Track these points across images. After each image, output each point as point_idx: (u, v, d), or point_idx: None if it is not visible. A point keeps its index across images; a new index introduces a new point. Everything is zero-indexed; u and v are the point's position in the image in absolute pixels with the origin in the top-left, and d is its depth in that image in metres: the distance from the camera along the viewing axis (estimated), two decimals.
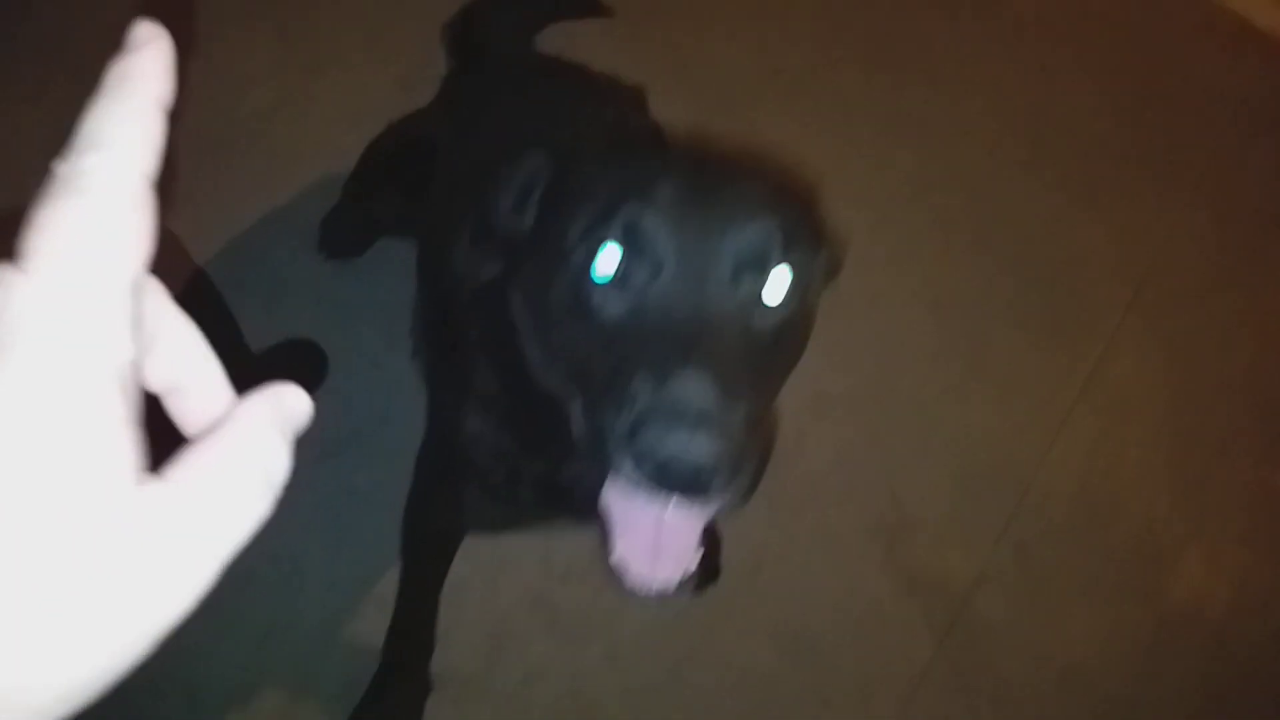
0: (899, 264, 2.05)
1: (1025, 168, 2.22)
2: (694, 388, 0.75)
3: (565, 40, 1.95)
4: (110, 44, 0.36)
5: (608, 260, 0.84)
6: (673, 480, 0.75)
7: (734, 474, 0.76)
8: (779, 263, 0.86)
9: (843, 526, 1.79)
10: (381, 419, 1.70)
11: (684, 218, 0.84)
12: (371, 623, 1.50)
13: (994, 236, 2.12)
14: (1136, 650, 1.79)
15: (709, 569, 1.66)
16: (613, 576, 0.88)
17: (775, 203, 0.88)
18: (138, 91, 0.35)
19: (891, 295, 2.01)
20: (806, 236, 0.92)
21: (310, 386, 0.40)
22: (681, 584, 0.88)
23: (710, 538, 1.67)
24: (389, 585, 1.45)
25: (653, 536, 0.87)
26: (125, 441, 0.33)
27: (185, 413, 0.41)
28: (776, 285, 0.86)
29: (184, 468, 0.35)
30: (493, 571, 1.62)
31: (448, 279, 1.24)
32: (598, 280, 0.84)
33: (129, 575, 0.33)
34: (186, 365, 0.40)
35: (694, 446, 0.73)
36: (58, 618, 0.31)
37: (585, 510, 0.98)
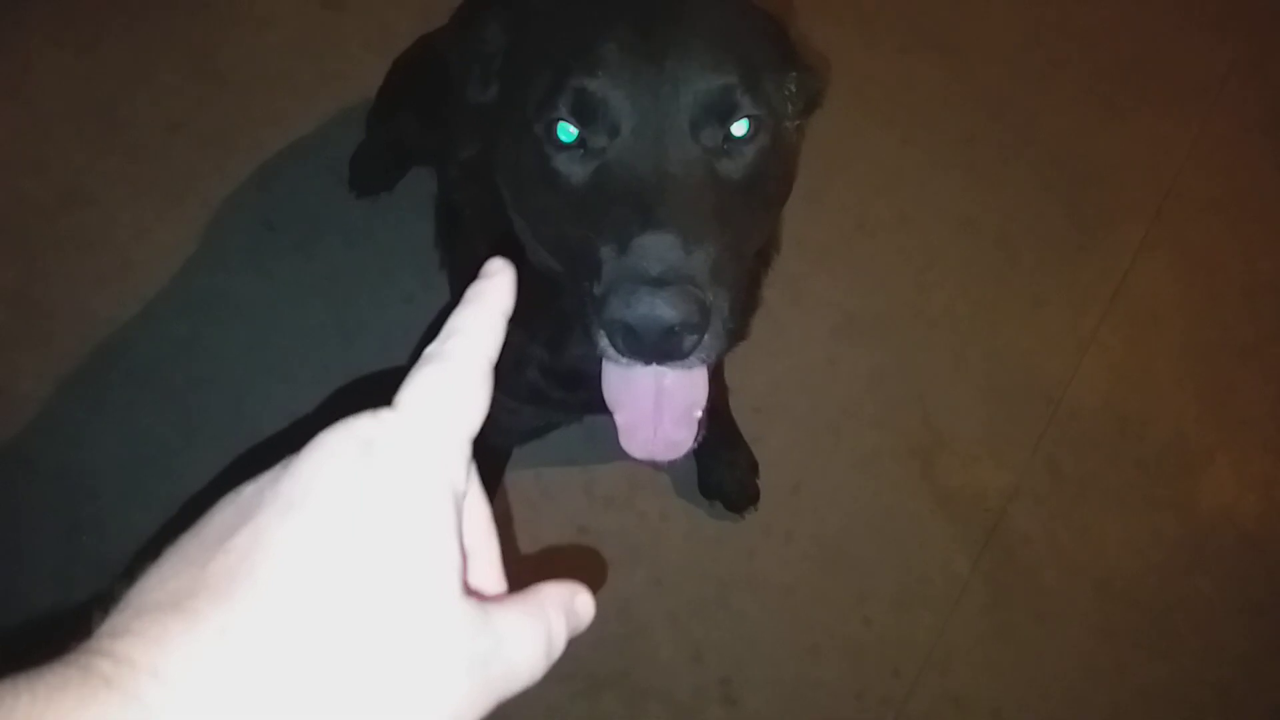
0: (925, 184, 2.04)
1: (1047, 83, 2.19)
2: (653, 249, 0.76)
3: None
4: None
5: (566, 129, 0.84)
6: (645, 346, 0.76)
7: (706, 324, 0.77)
8: (743, 111, 0.84)
9: (878, 447, 1.80)
10: (417, 355, 1.71)
11: (634, 76, 0.82)
12: None
13: (1018, 153, 2.11)
14: (1170, 559, 1.81)
15: (749, 493, 1.68)
16: (623, 449, 0.90)
17: (731, 46, 0.86)
18: (488, 304, 0.49)
19: (918, 216, 2.00)
20: (773, 69, 0.90)
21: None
22: (692, 445, 0.90)
23: (746, 459, 1.69)
24: None
25: (651, 403, 0.89)
26: (458, 554, 0.41)
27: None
28: (741, 129, 0.85)
29: (496, 607, 0.42)
30: (536, 503, 1.64)
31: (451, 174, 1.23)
32: (564, 143, 0.84)
33: (433, 669, 0.38)
34: (476, 532, 0.48)
35: (658, 307, 0.74)
36: (369, 693, 0.36)
37: (597, 391, 1.00)
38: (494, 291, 0.49)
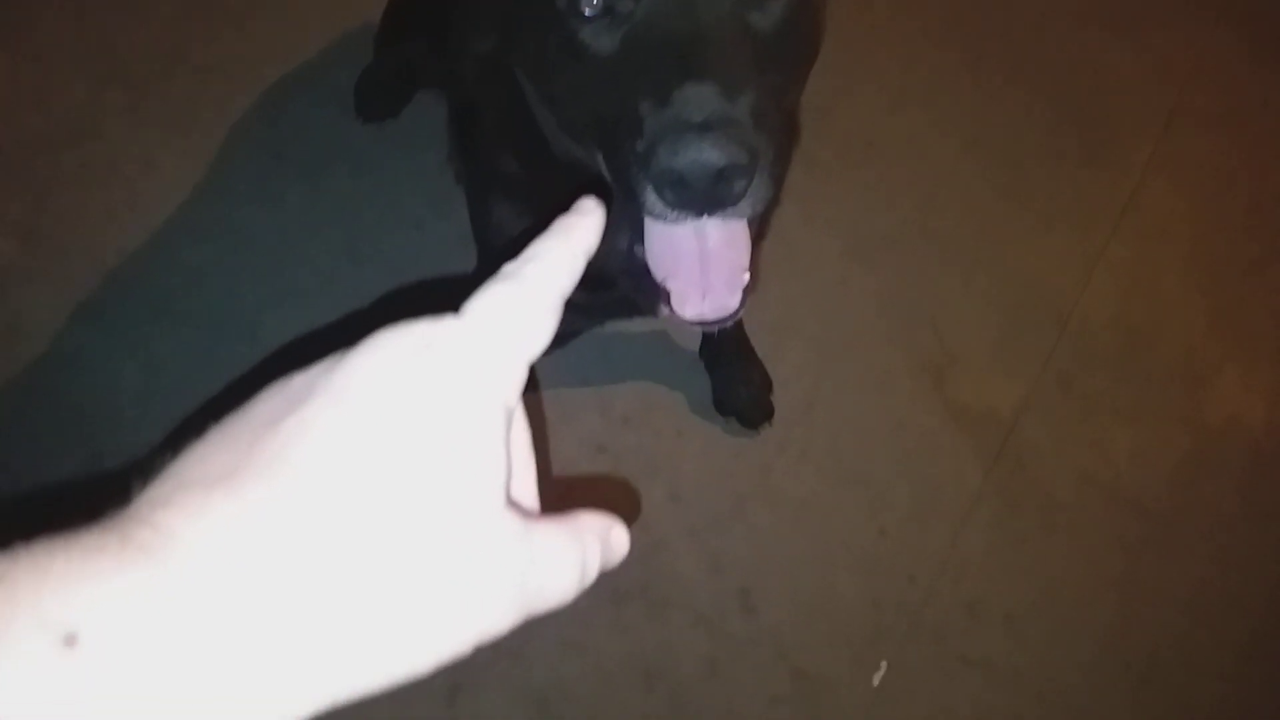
0: (932, 103, 2.03)
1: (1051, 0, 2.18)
2: (694, 98, 0.75)
3: None
4: None
5: None
6: (695, 194, 0.76)
7: (754, 168, 0.76)
8: None
9: (890, 365, 1.81)
10: (428, 282, 1.71)
11: None
12: None
13: (1024, 70, 2.10)
14: (1178, 468, 1.83)
15: (763, 409, 1.70)
16: (673, 317, 0.90)
17: None
18: (572, 239, 0.48)
19: (926, 135, 2.00)
20: None
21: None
22: (740, 304, 0.90)
23: (760, 375, 1.70)
24: None
25: (698, 266, 0.89)
26: (505, 465, 0.40)
27: None
28: None
29: (536, 524, 0.42)
30: (554, 422, 1.65)
31: (463, 79, 1.21)
32: (589, 13, 0.83)
33: (472, 574, 0.38)
34: (518, 454, 0.46)
35: (705, 151, 0.74)
36: (408, 589, 0.36)
37: (621, 293, 0.99)
38: (581, 229, 0.49)
